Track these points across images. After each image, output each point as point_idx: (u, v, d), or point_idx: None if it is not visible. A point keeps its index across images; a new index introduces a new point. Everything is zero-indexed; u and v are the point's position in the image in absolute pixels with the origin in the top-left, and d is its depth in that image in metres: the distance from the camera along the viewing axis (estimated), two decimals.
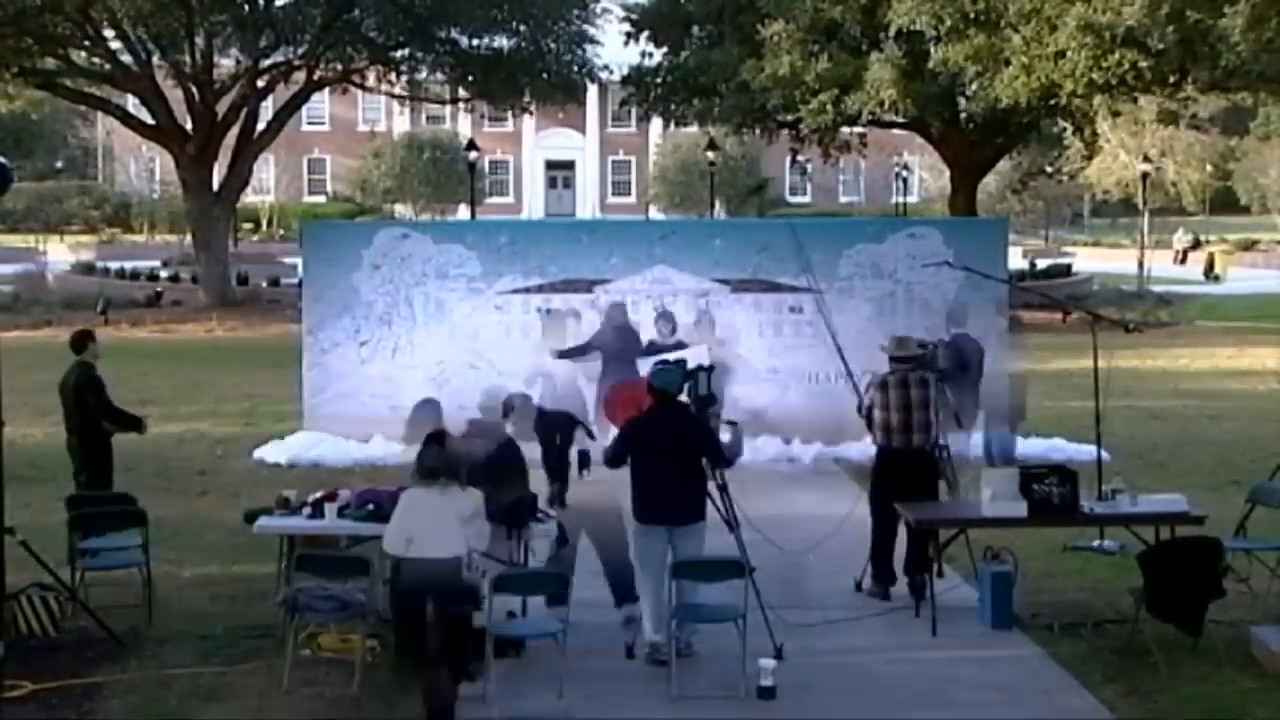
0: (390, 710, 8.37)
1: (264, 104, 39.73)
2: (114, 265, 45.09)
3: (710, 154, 50.80)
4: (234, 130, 38.24)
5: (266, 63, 38.34)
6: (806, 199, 74.50)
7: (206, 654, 9.24)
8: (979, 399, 14.31)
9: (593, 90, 49.92)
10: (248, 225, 63.56)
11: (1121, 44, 28.32)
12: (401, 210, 70.25)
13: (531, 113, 46.05)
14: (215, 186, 38.42)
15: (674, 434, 9.22)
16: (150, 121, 38.46)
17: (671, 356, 13.57)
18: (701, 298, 16.33)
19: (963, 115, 35.71)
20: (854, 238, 16.78)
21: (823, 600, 10.42)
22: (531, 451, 9.96)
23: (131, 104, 42.07)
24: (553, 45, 39.08)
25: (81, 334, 12.46)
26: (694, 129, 53.33)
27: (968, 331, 14.53)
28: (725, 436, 9.56)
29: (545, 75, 39.20)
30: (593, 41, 39.89)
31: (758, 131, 38.91)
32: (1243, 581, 10.13)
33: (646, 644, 9.16)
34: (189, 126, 38.12)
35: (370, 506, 9.65)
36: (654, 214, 65.89)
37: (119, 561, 10.24)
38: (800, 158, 42.13)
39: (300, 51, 38.01)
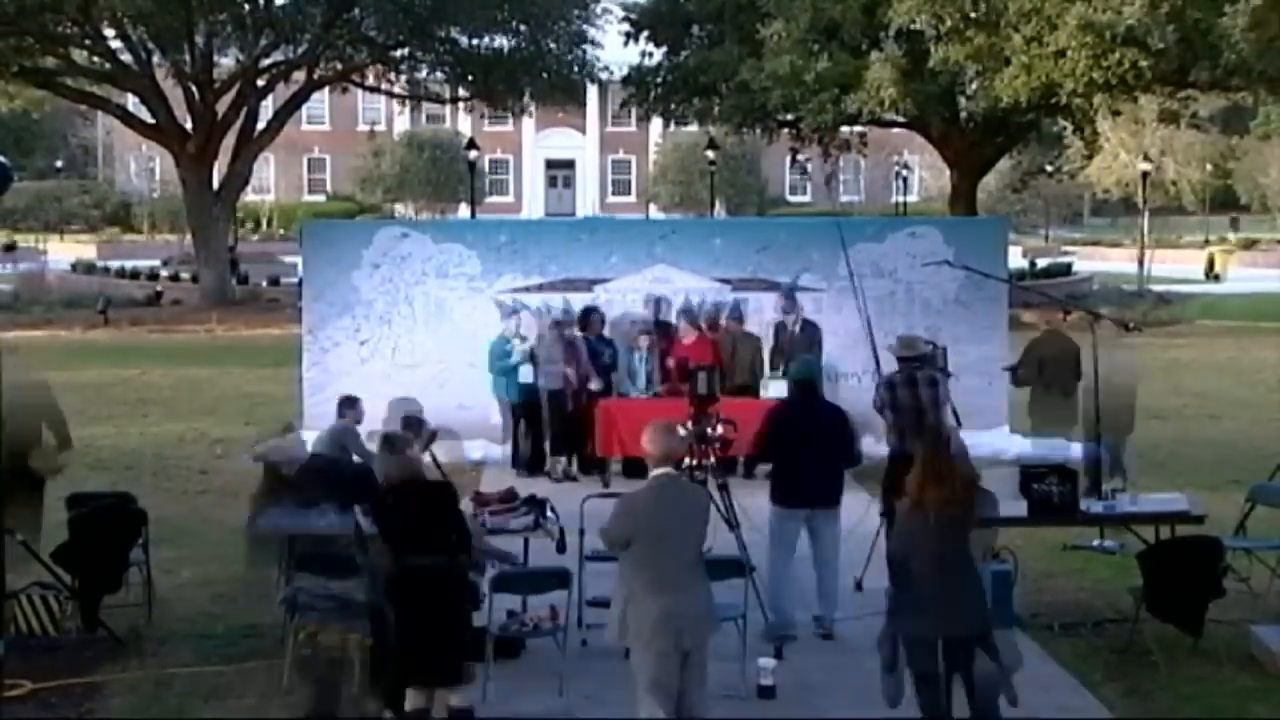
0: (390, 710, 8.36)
1: (264, 103, 39.73)
2: (114, 265, 45.15)
3: (710, 154, 50.80)
4: (234, 129, 38.24)
5: (266, 62, 38.36)
6: (806, 198, 74.57)
7: (206, 654, 9.24)
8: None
9: (593, 90, 50.00)
10: (248, 225, 63.60)
11: (1121, 43, 28.31)
12: (401, 209, 70.29)
13: (531, 113, 46.07)
14: (215, 186, 38.43)
15: (816, 423, 9.79)
16: (150, 121, 38.46)
17: None
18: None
19: (963, 115, 35.71)
20: (854, 237, 16.75)
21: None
22: None
23: (131, 103, 42.06)
24: (553, 45, 39.08)
25: None
26: (694, 128, 53.37)
27: None
28: None
29: (545, 75, 39.21)
30: (593, 42, 39.90)
31: (758, 131, 38.92)
32: (1243, 581, 10.14)
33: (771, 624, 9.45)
34: (189, 126, 38.13)
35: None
36: (654, 213, 65.94)
37: None
38: (800, 157, 42.14)
39: (300, 51, 38.02)
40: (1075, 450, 14.39)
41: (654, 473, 7.18)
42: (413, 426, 11.36)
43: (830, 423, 9.86)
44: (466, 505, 10.06)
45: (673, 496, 7.17)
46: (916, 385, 10.61)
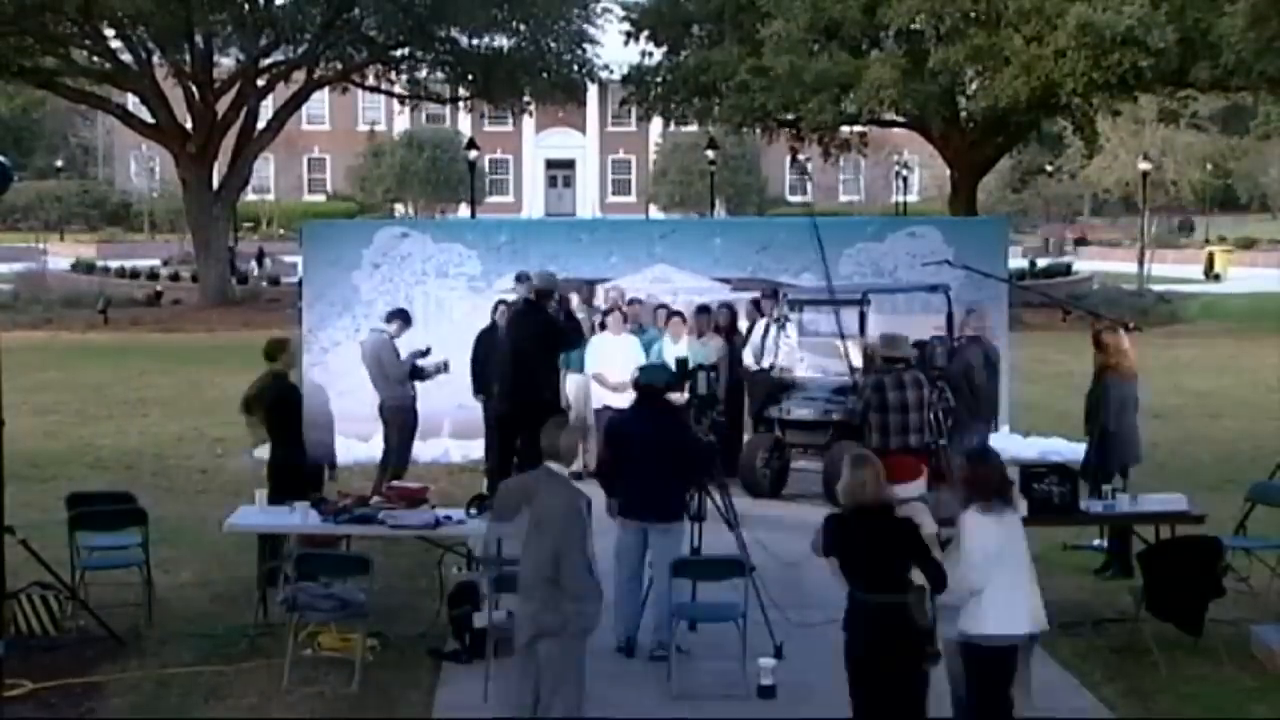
0: (390, 710, 8.37)
1: (264, 103, 39.71)
2: (114, 265, 45.15)
3: (710, 153, 50.81)
4: (234, 129, 38.23)
5: (266, 62, 38.35)
6: (807, 198, 74.57)
7: (206, 653, 9.24)
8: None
9: (593, 90, 49.95)
10: (248, 224, 63.61)
11: (1121, 44, 28.33)
12: (401, 209, 70.29)
13: (531, 112, 46.08)
14: (215, 186, 38.42)
15: (655, 433, 9.16)
16: (150, 120, 38.45)
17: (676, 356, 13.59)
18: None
19: (963, 115, 35.72)
20: (854, 237, 16.79)
21: (823, 600, 10.40)
22: None
23: (131, 103, 42.06)
24: (553, 45, 39.08)
25: (277, 341, 11.08)
26: (694, 128, 53.39)
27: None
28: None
29: (545, 75, 39.20)
30: (593, 41, 39.88)
31: (758, 131, 38.91)
32: (1243, 581, 10.14)
33: (622, 639, 9.19)
34: (189, 126, 38.11)
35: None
36: (654, 213, 65.96)
37: (119, 561, 10.25)
38: (800, 157, 42.12)
39: (300, 51, 38.01)
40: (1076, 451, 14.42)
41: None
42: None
43: (673, 435, 9.26)
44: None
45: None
46: (904, 387, 10.58)
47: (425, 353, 12.76)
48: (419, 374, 13.29)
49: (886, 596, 6.76)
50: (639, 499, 9.08)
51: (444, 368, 13.62)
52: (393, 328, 13.13)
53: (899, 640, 6.76)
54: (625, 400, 14.50)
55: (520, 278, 15.61)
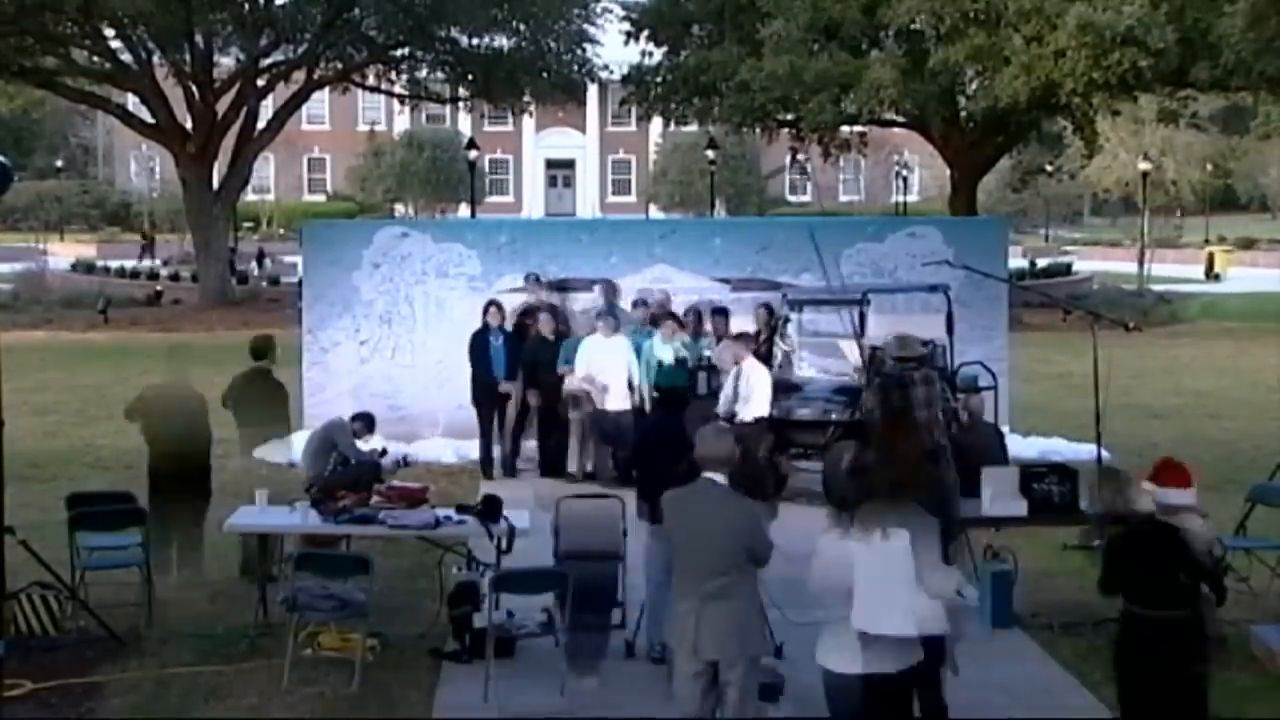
0: (390, 710, 8.37)
1: (264, 103, 39.72)
2: (114, 264, 45.16)
3: (710, 153, 50.81)
4: (234, 129, 38.23)
5: (266, 62, 38.35)
6: (806, 198, 74.58)
7: (206, 653, 9.24)
8: None
9: (593, 90, 50.01)
10: (248, 224, 63.62)
11: (1121, 43, 28.33)
12: (401, 209, 70.32)
13: (531, 112, 46.08)
14: (215, 186, 38.41)
15: (682, 437, 9.08)
16: (150, 120, 38.44)
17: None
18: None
19: (963, 114, 35.71)
20: (854, 237, 16.79)
21: (823, 600, 10.38)
22: None
23: (131, 103, 42.06)
24: (553, 45, 39.08)
25: (264, 338, 11.01)
26: (694, 128, 53.41)
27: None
28: None
29: (545, 75, 39.21)
30: (593, 41, 39.89)
31: (758, 130, 38.92)
32: (1243, 581, 10.14)
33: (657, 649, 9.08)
34: (189, 125, 38.10)
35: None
36: (654, 213, 65.97)
37: (119, 561, 10.25)
38: (800, 156, 42.10)
39: (300, 51, 38.02)
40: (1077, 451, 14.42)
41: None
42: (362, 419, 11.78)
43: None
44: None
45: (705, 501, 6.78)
46: (914, 385, 10.52)
47: (383, 453, 12.40)
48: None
49: (1170, 612, 6.55)
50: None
51: (403, 463, 13.30)
52: (356, 426, 12.26)
53: (1184, 656, 6.53)
54: (615, 402, 14.59)
55: (529, 278, 15.71)
